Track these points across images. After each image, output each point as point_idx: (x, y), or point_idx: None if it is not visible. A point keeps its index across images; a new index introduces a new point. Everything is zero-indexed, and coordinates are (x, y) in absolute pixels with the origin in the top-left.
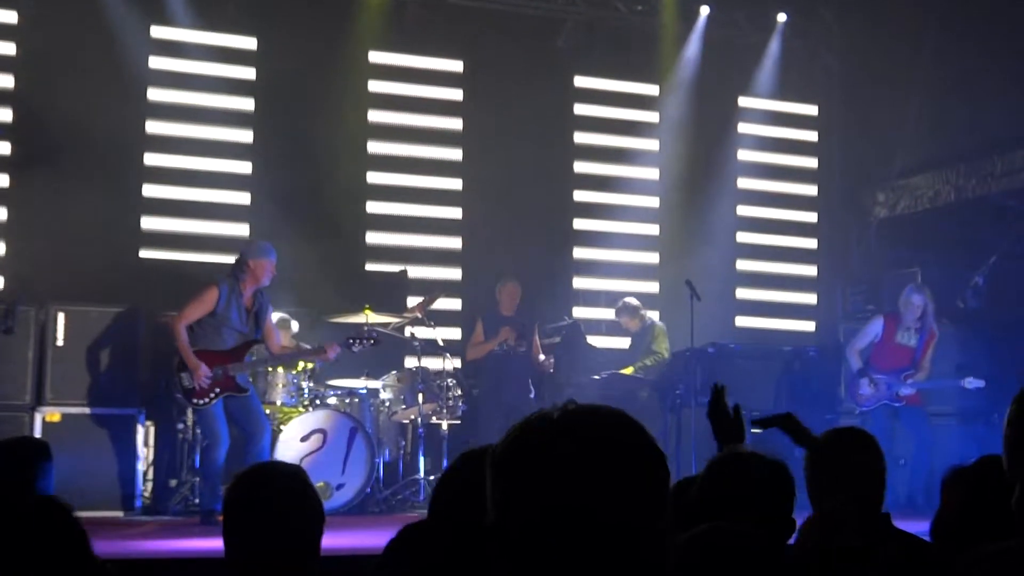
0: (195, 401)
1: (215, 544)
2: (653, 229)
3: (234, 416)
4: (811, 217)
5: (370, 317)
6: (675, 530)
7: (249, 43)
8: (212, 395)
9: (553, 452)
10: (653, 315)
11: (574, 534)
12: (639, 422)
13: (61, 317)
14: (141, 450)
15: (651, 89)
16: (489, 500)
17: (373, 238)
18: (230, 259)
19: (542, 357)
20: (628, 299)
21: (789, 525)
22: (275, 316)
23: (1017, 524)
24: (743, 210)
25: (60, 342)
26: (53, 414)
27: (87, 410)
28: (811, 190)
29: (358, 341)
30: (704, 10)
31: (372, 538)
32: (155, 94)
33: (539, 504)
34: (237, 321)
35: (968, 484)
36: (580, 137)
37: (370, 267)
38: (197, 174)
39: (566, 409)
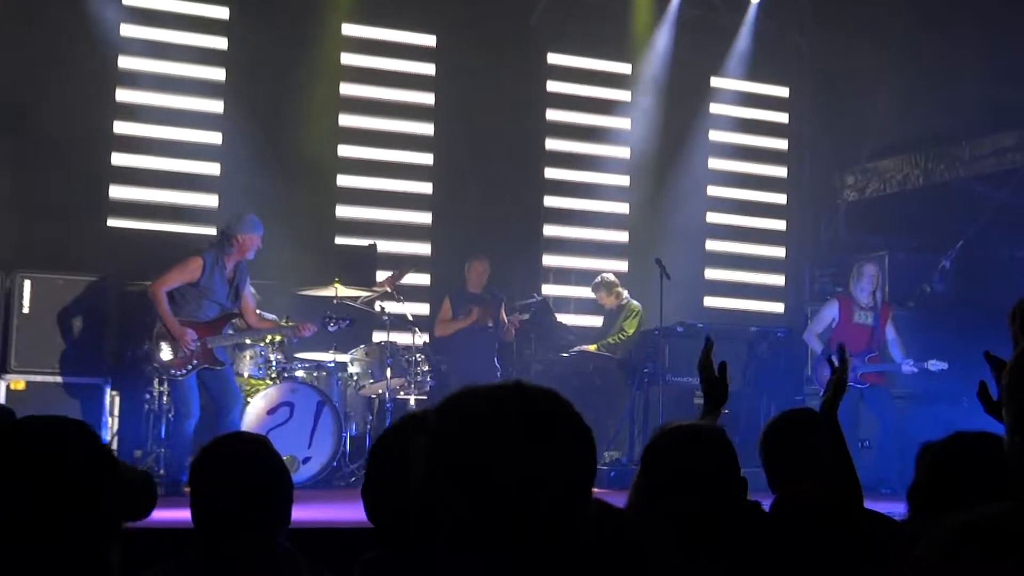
0: (172, 372)
1: (181, 515)
2: (623, 207)
3: (208, 388)
4: (780, 199)
5: (339, 291)
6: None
7: (221, 12)
8: (189, 367)
9: (482, 421)
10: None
11: (499, 505)
12: (571, 403)
13: (27, 285)
14: (107, 420)
15: (624, 68)
16: (415, 463)
17: (343, 212)
18: (199, 230)
19: (511, 334)
20: (605, 275)
21: (738, 487)
22: None
23: (1011, 481)
24: (713, 190)
25: (26, 310)
26: (18, 382)
27: (52, 379)
28: (781, 171)
29: (334, 320)
30: None
31: (338, 512)
32: (126, 62)
33: (463, 468)
34: (219, 293)
35: (939, 457)
36: (552, 114)
37: (340, 241)
38: (167, 143)
39: (501, 384)
